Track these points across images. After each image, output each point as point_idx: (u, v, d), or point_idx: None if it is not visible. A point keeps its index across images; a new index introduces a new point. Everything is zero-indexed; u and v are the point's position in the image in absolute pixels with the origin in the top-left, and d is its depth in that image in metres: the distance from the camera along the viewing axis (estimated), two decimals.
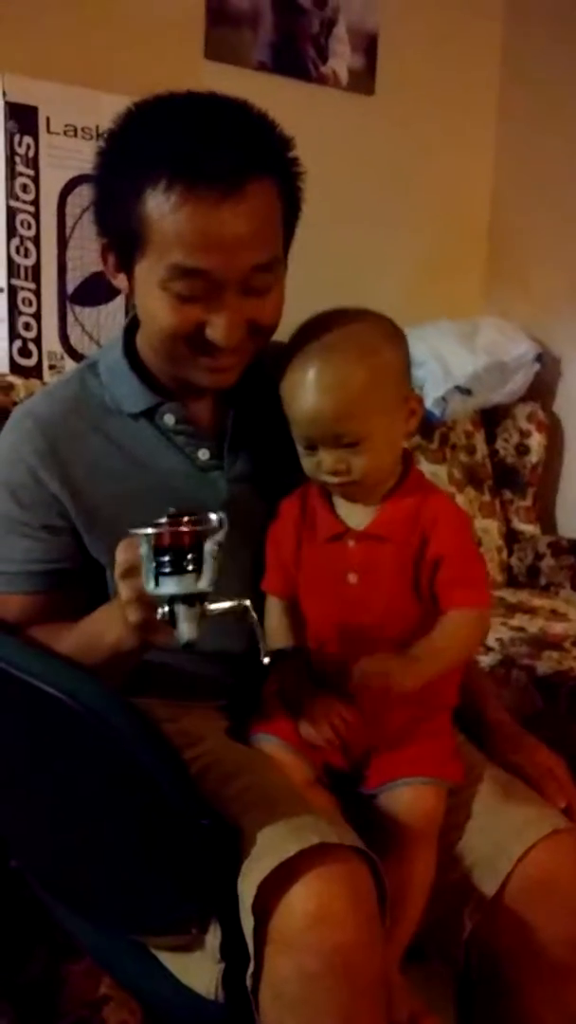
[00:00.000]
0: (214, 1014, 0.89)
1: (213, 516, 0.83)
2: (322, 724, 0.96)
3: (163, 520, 0.82)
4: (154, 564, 0.81)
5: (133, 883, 0.91)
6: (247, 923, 0.83)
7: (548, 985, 0.93)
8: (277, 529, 1.03)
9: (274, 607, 1.02)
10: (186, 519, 0.82)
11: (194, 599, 0.81)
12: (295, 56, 2.17)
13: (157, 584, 0.81)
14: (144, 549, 0.82)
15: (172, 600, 0.82)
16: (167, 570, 0.81)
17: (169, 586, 0.81)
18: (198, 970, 0.90)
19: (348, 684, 0.92)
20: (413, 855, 0.94)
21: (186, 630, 0.81)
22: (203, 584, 0.81)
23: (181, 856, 0.85)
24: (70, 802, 0.93)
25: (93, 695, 0.84)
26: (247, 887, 0.82)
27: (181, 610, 0.81)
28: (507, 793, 1.01)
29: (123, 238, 0.95)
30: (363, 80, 2.28)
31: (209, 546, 0.82)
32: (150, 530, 0.82)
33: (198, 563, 0.81)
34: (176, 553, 0.81)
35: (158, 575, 0.81)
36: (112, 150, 0.96)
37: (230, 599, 0.85)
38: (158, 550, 0.81)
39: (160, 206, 0.89)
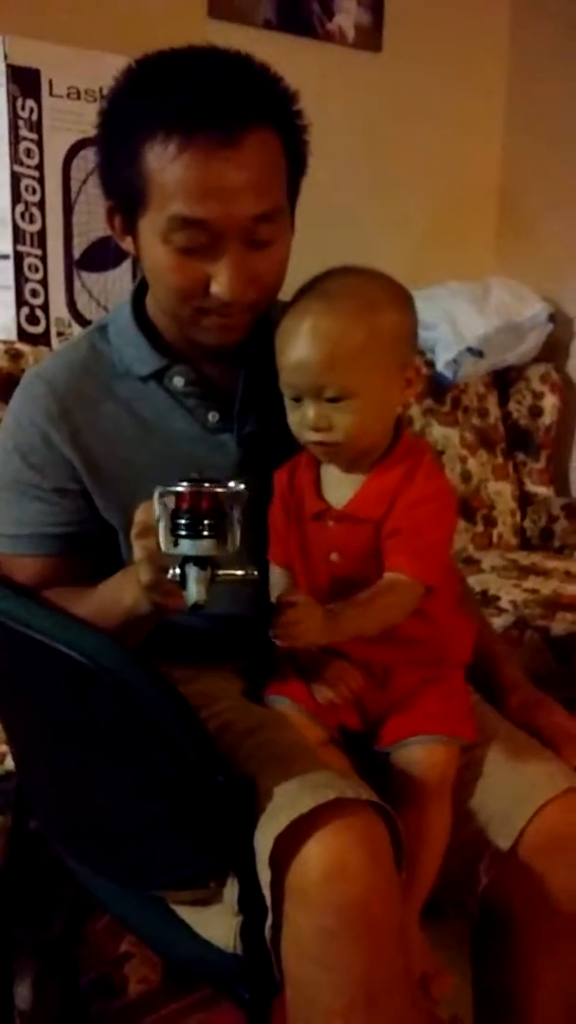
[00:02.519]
0: (233, 966, 0.90)
1: (233, 484, 0.83)
2: (334, 686, 0.96)
3: (184, 483, 0.82)
4: (170, 524, 0.82)
5: (151, 838, 0.92)
6: (264, 877, 0.83)
7: (552, 938, 0.94)
8: (273, 504, 1.02)
9: (278, 576, 1.01)
10: (207, 484, 0.82)
11: (206, 562, 0.82)
12: (301, 13, 2.13)
13: (175, 545, 0.82)
14: (160, 509, 0.82)
15: (184, 561, 0.82)
16: (182, 532, 0.81)
17: (182, 547, 0.81)
18: (217, 924, 0.91)
19: (270, 630, 0.87)
20: (428, 811, 0.95)
21: (195, 591, 0.82)
22: (219, 550, 0.81)
23: (199, 811, 0.85)
24: (90, 761, 0.94)
25: (111, 656, 0.84)
26: (264, 841, 0.83)
27: (192, 571, 0.82)
28: (522, 750, 1.01)
29: (126, 196, 0.94)
30: (370, 37, 2.24)
31: (234, 514, 0.82)
32: (171, 489, 0.82)
33: (213, 529, 0.81)
34: (193, 516, 0.81)
35: (175, 536, 0.81)
36: (112, 109, 0.95)
37: (243, 567, 0.85)
38: (176, 511, 0.81)
39: (159, 158, 0.89)
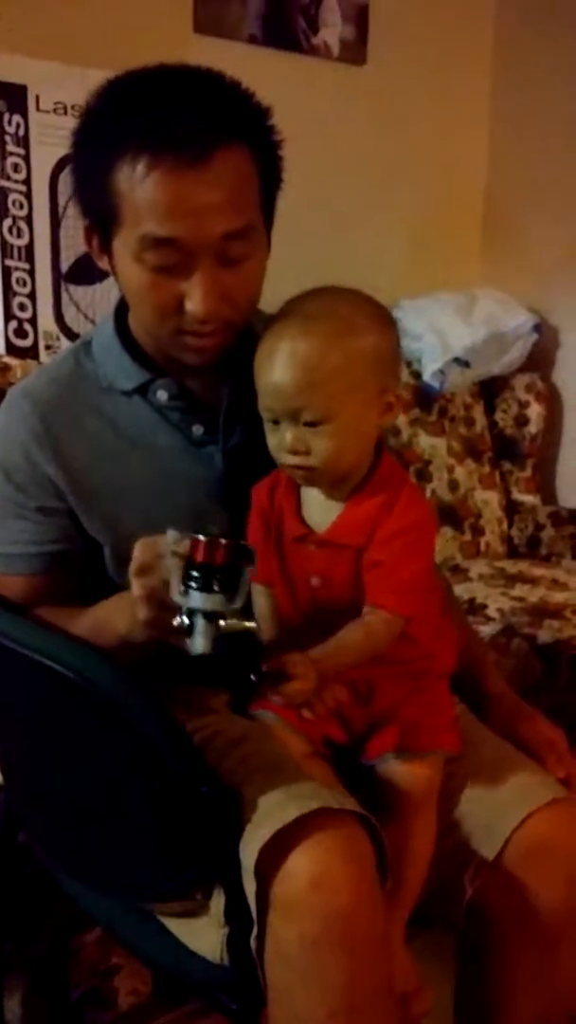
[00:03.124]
0: (220, 977, 0.91)
1: (244, 543, 0.84)
2: (316, 704, 0.93)
3: (201, 537, 0.82)
4: (182, 573, 0.82)
5: (137, 850, 0.93)
6: (249, 888, 0.84)
7: (536, 949, 0.94)
8: (252, 519, 1.00)
9: (259, 593, 0.99)
10: (224, 541, 0.82)
11: (214, 616, 0.83)
12: (285, 28, 2.15)
13: (183, 594, 0.82)
14: (173, 558, 0.83)
15: (192, 612, 0.83)
16: (194, 584, 0.82)
17: (192, 600, 0.82)
18: (204, 935, 0.91)
19: (270, 691, 0.87)
20: (412, 824, 0.95)
21: (200, 643, 0.82)
22: (231, 606, 0.82)
23: (184, 823, 0.86)
24: (76, 774, 0.95)
25: (97, 669, 0.85)
26: (248, 852, 0.84)
27: (200, 624, 0.82)
28: (506, 762, 1.02)
29: (100, 216, 0.94)
30: (355, 50, 2.26)
31: (247, 575, 0.83)
32: (187, 536, 0.82)
33: (223, 585, 0.82)
34: (207, 571, 0.81)
35: (186, 586, 0.82)
36: (84, 128, 0.95)
37: (248, 619, 0.86)
38: (190, 561, 0.82)
39: (129, 178, 0.89)
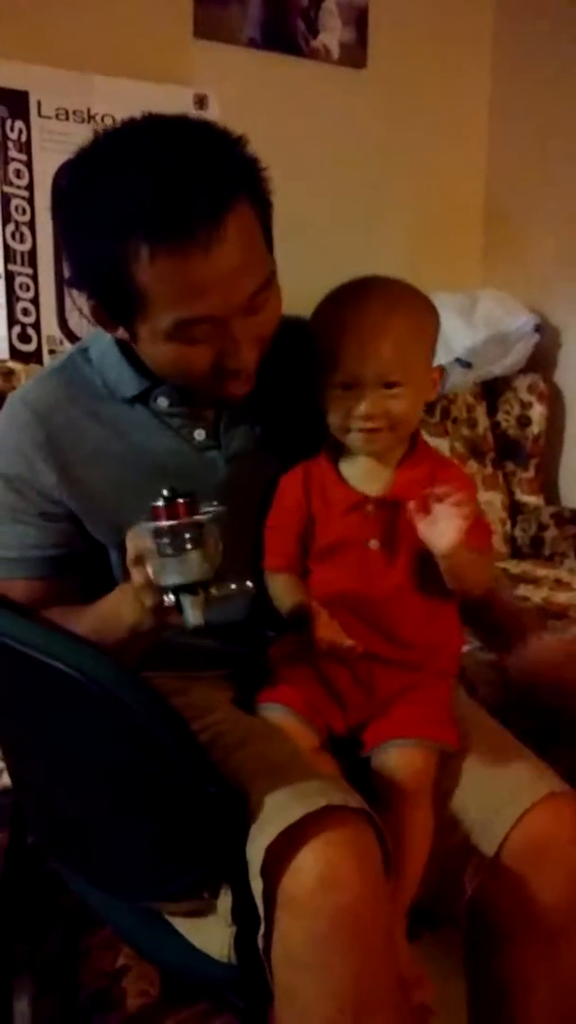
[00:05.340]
0: (228, 976, 0.91)
1: (209, 505, 0.85)
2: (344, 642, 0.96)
3: (159, 502, 0.84)
4: (156, 548, 0.83)
5: (144, 851, 0.93)
6: (256, 887, 0.84)
7: (541, 944, 0.95)
8: (279, 509, 1.04)
9: (278, 581, 1.03)
10: (180, 500, 0.83)
11: (196, 587, 0.84)
12: (285, 31, 2.16)
13: (162, 573, 0.84)
14: (148, 538, 0.84)
15: (176, 590, 0.84)
16: (168, 551, 0.83)
17: (171, 577, 0.83)
18: (211, 934, 0.92)
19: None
20: (406, 816, 0.96)
21: (192, 616, 0.84)
22: (205, 571, 0.83)
23: (191, 823, 0.86)
24: (83, 774, 0.95)
25: (101, 669, 0.86)
26: (255, 851, 0.84)
27: (186, 599, 0.84)
28: (503, 754, 1.02)
29: (116, 300, 0.94)
30: (354, 53, 2.27)
31: (211, 530, 0.84)
32: (150, 519, 0.84)
33: (197, 542, 0.83)
34: (175, 533, 0.83)
35: (162, 559, 0.83)
36: (79, 214, 0.92)
37: (234, 582, 0.87)
38: (158, 532, 0.83)
39: (147, 272, 0.88)
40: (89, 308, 0.98)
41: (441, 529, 0.93)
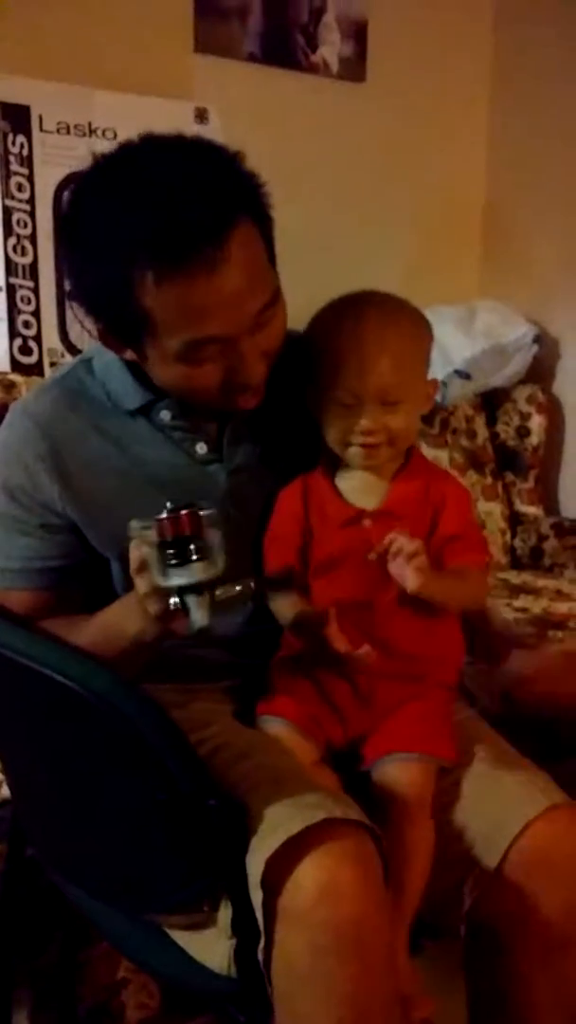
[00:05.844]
0: (228, 990, 0.91)
1: (208, 507, 0.86)
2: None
3: (163, 515, 0.84)
4: (160, 557, 0.84)
5: (145, 863, 0.93)
6: (256, 899, 0.84)
7: (542, 957, 0.94)
8: (277, 524, 1.05)
9: (280, 598, 1.03)
10: (184, 512, 0.84)
11: (202, 587, 0.84)
12: (285, 46, 2.18)
13: (166, 576, 0.84)
14: (149, 545, 0.85)
15: (181, 591, 0.85)
16: (173, 562, 0.84)
17: (176, 578, 0.84)
18: (211, 947, 0.92)
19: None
20: (406, 829, 0.96)
21: (198, 617, 0.85)
22: (210, 572, 0.84)
23: (191, 835, 0.86)
24: (82, 786, 0.95)
25: (101, 681, 0.86)
26: (255, 864, 0.84)
27: (191, 599, 0.85)
28: (503, 769, 1.02)
29: (123, 324, 0.95)
30: (354, 67, 2.29)
31: (213, 534, 0.85)
32: (148, 523, 0.84)
33: (202, 552, 0.84)
34: (179, 544, 0.83)
35: (166, 568, 0.84)
36: (82, 241, 0.93)
37: (237, 583, 0.88)
38: (163, 543, 0.84)
39: (153, 297, 0.89)
40: (97, 331, 0.99)
41: (404, 574, 0.95)
